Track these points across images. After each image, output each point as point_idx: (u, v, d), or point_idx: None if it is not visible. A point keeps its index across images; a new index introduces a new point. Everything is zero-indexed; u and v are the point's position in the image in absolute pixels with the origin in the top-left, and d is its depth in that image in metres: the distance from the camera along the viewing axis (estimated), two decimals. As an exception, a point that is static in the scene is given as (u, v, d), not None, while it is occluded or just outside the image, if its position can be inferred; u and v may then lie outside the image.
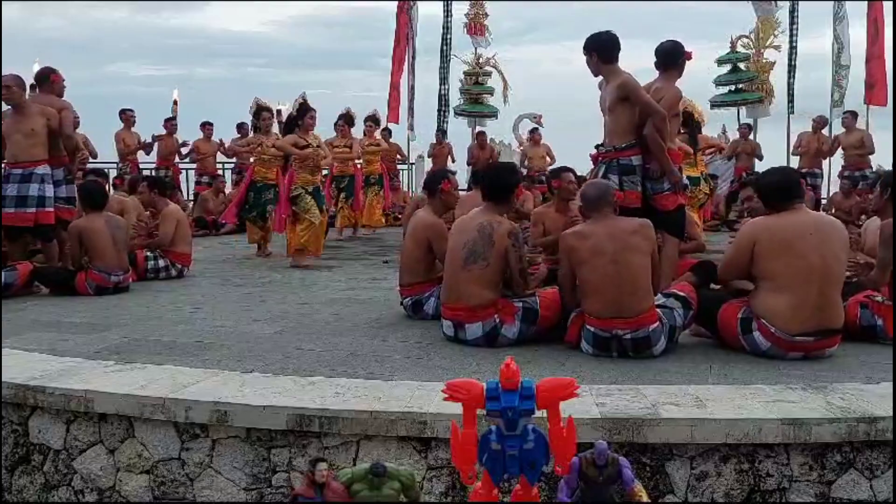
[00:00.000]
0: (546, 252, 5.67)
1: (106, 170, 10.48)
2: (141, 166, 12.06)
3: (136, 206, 7.37)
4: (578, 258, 3.89)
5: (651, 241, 3.92)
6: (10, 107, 6.05)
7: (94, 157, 10.58)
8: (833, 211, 10.78)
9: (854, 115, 12.45)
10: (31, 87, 6.59)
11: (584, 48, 4.76)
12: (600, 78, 4.84)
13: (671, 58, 4.94)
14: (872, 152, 11.91)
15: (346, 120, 10.06)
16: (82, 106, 10.12)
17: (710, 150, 10.41)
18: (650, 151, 4.62)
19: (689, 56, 5.02)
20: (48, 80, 6.40)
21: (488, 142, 13.45)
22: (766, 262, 3.79)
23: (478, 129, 14.40)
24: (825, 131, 12.79)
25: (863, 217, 9.06)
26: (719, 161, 12.46)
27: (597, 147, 4.94)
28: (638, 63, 4.82)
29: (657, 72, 4.95)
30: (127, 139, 11.23)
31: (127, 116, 11.25)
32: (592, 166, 5.11)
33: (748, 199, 5.20)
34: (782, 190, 3.91)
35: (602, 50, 4.71)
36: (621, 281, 3.77)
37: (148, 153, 11.88)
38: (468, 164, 12.66)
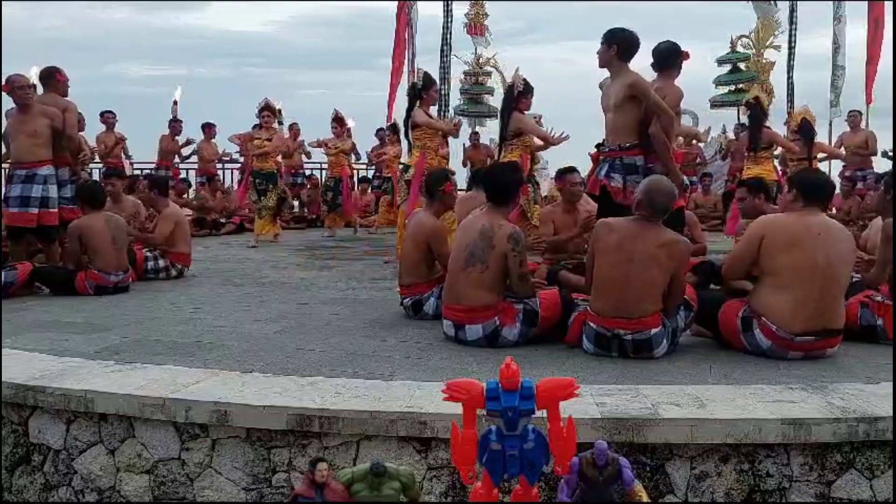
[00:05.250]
0: (551, 252, 5.65)
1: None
2: (142, 166, 12.06)
3: (135, 204, 7.37)
4: (599, 248, 3.89)
5: (677, 260, 3.78)
6: (13, 106, 6.05)
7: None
8: (834, 212, 10.76)
9: (860, 114, 12.42)
10: (32, 86, 6.58)
11: (607, 40, 4.68)
12: (604, 76, 4.81)
13: (669, 58, 4.96)
14: (875, 153, 11.89)
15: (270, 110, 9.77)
16: (82, 106, 10.16)
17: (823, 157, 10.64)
18: (654, 151, 4.61)
19: (686, 56, 5.03)
20: (53, 78, 6.38)
21: (481, 142, 13.43)
22: (772, 257, 3.78)
23: (475, 129, 14.39)
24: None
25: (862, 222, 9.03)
26: (718, 162, 12.46)
27: (597, 146, 4.92)
28: (638, 63, 4.82)
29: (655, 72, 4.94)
30: (107, 141, 11.20)
31: (106, 118, 11.17)
32: (592, 165, 5.10)
33: (742, 198, 5.19)
34: (818, 187, 3.96)
35: (626, 47, 4.67)
36: (629, 282, 3.75)
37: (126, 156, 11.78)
38: (463, 164, 12.67)
